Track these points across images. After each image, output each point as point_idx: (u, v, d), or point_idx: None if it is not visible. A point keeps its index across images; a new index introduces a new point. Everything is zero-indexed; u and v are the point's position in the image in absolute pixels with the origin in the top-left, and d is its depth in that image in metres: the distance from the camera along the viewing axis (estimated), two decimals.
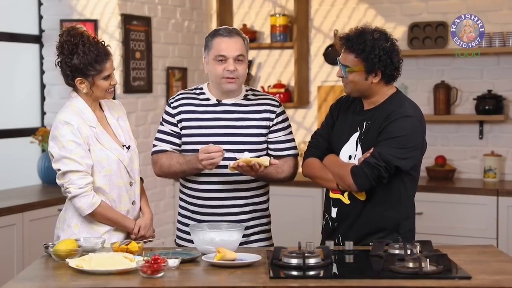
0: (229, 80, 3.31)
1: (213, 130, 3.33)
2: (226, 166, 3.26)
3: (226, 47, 3.29)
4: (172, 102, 3.44)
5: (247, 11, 6.31)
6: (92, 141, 3.17)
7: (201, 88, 3.45)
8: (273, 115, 3.40)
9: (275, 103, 3.45)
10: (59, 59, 3.19)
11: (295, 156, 3.47)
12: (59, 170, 3.15)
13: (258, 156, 3.28)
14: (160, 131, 3.45)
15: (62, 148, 3.13)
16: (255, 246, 3.38)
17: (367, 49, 3.12)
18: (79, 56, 3.12)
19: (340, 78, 3.25)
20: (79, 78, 3.16)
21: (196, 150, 3.27)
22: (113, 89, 3.27)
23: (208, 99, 3.40)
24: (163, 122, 3.45)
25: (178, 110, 3.40)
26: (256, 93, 3.47)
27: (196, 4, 6.20)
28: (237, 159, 3.20)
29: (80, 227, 3.20)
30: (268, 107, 3.41)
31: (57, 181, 3.19)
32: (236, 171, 3.24)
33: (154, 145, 3.45)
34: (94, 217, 3.18)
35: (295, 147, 3.47)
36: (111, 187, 3.21)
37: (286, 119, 3.47)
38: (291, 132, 3.48)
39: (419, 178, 3.29)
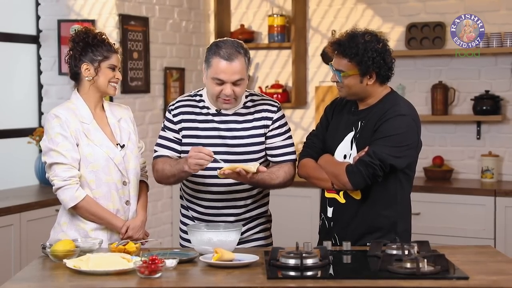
0: (225, 101, 3.22)
1: (212, 141, 3.27)
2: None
3: (224, 71, 3.15)
4: (172, 109, 3.36)
5: (245, 11, 6.30)
6: (80, 136, 3.19)
7: (201, 95, 3.36)
8: (269, 122, 3.32)
9: (273, 108, 3.34)
10: (70, 51, 3.26)
11: (292, 161, 3.37)
12: (45, 162, 3.20)
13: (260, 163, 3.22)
14: (161, 137, 3.37)
15: (50, 140, 3.17)
16: (253, 244, 3.37)
17: (360, 52, 3.11)
18: (89, 40, 3.22)
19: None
20: (85, 63, 3.20)
21: None
22: (116, 85, 3.28)
23: (207, 108, 3.32)
24: (165, 129, 3.37)
25: (180, 118, 3.34)
26: (255, 98, 3.37)
27: (193, 4, 6.19)
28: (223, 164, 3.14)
29: (68, 224, 3.22)
30: (265, 114, 3.32)
31: (46, 174, 3.24)
32: (228, 177, 3.15)
33: (155, 151, 3.38)
34: (78, 212, 3.18)
35: (292, 153, 3.36)
36: (98, 183, 3.21)
37: (284, 124, 3.36)
38: (289, 137, 3.37)
39: (414, 178, 3.29)
